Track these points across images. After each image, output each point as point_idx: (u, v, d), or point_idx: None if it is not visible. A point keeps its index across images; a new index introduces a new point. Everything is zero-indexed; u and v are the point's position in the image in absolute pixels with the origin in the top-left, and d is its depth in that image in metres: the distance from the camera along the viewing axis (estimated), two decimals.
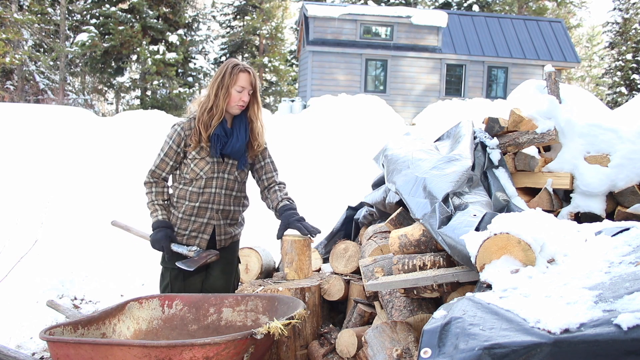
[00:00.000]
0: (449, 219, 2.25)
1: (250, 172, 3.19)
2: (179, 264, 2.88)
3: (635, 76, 28.69)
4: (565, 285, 1.50)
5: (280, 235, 3.06)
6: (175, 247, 2.94)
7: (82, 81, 24.91)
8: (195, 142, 2.92)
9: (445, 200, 2.39)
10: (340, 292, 3.14)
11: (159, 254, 3.10)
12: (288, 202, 3.09)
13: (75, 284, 4.76)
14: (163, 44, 20.31)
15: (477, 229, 2.04)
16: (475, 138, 3.14)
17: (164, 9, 20.73)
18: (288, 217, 3.02)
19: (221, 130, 2.93)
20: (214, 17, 28.79)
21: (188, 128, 2.95)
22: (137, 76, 22.03)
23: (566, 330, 1.21)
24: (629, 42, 29.61)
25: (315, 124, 13.23)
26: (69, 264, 5.10)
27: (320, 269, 3.62)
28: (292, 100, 19.02)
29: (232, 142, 2.95)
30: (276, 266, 3.77)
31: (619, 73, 29.59)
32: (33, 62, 20.71)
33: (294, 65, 30.16)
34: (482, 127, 3.32)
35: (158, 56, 19.31)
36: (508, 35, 20.03)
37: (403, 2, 26.36)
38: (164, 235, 2.92)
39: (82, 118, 11.97)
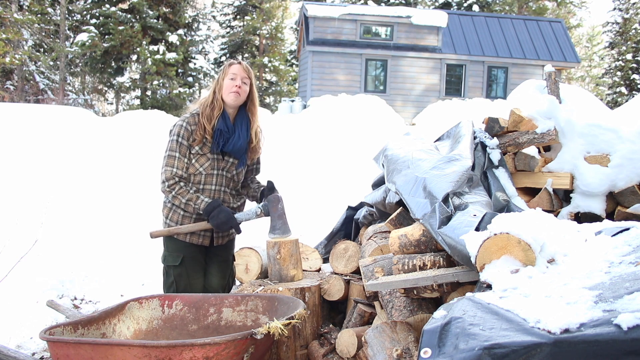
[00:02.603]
0: (449, 219, 2.25)
1: None
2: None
3: (635, 76, 28.68)
4: (565, 285, 1.50)
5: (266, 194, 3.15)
6: (240, 217, 3.01)
7: (82, 81, 24.92)
8: (200, 137, 2.96)
9: (445, 200, 2.39)
10: (340, 292, 3.14)
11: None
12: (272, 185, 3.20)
13: (75, 284, 4.76)
14: (163, 44, 20.30)
15: (477, 229, 2.04)
16: (475, 138, 3.14)
17: (164, 9, 20.72)
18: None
19: (224, 125, 2.97)
20: (214, 17, 28.78)
21: (193, 123, 2.98)
22: (137, 76, 22.02)
23: (566, 330, 1.21)
24: (629, 42, 29.61)
25: (315, 124, 13.23)
26: (69, 264, 5.10)
27: (320, 269, 3.62)
28: (292, 100, 19.00)
29: (234, 140, 2.99)
30: None
31: (619, 73, 29.58)
32: (33, 62, 20.70)
33: (294, 65, 30.14)
34: (482, 127, 3.31)
35: (158, 56, 19.31)
36: (508, 35, 20.02)
37: (403, 2, 26.34)
38: (227, 215, 2.92)
39: (82, 118, 11.99)
